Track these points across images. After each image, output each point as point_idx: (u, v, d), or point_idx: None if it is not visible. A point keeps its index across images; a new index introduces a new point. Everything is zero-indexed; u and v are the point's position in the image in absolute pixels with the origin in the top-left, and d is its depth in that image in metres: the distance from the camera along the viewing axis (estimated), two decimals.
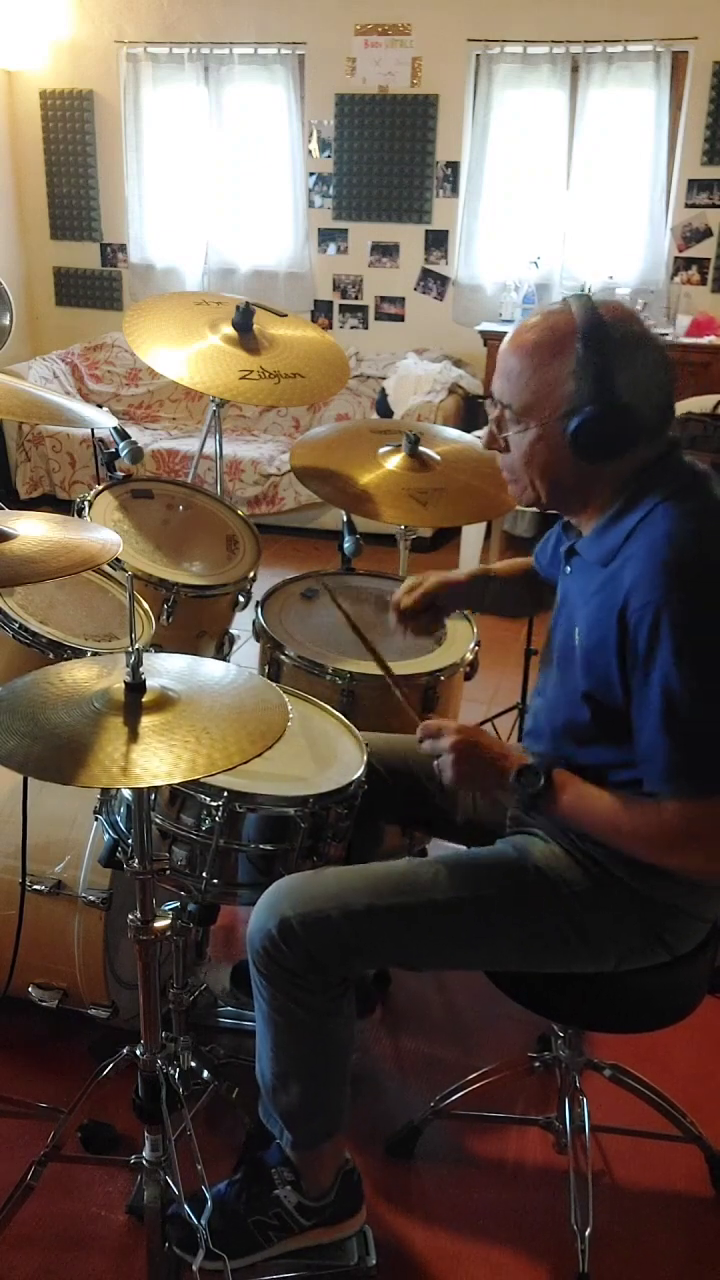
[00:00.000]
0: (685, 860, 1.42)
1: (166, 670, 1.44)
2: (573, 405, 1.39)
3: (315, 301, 5.91)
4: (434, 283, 5.69)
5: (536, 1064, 1.98)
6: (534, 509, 1.61)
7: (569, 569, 1.57)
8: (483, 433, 1.65)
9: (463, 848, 1.84)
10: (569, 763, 1.52)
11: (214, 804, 1.60)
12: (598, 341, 1.37)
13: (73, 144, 6.03)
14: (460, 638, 2.27)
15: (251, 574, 2.47)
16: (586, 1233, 1.72)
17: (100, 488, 2.46)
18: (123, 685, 1.34)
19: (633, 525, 1.42)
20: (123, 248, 6.15)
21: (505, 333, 5.59)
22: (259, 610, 2.27)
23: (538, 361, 1.41)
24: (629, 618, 1.37)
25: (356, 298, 5.86)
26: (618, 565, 1.42)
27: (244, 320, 2.51)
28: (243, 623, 2.43)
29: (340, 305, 5.89)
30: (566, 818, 1.49)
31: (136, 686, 1.33)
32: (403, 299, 5.78)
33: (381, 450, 2.42)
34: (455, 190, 5.49)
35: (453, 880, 1.56)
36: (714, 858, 1.41)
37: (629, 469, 1.44)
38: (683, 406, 3.99)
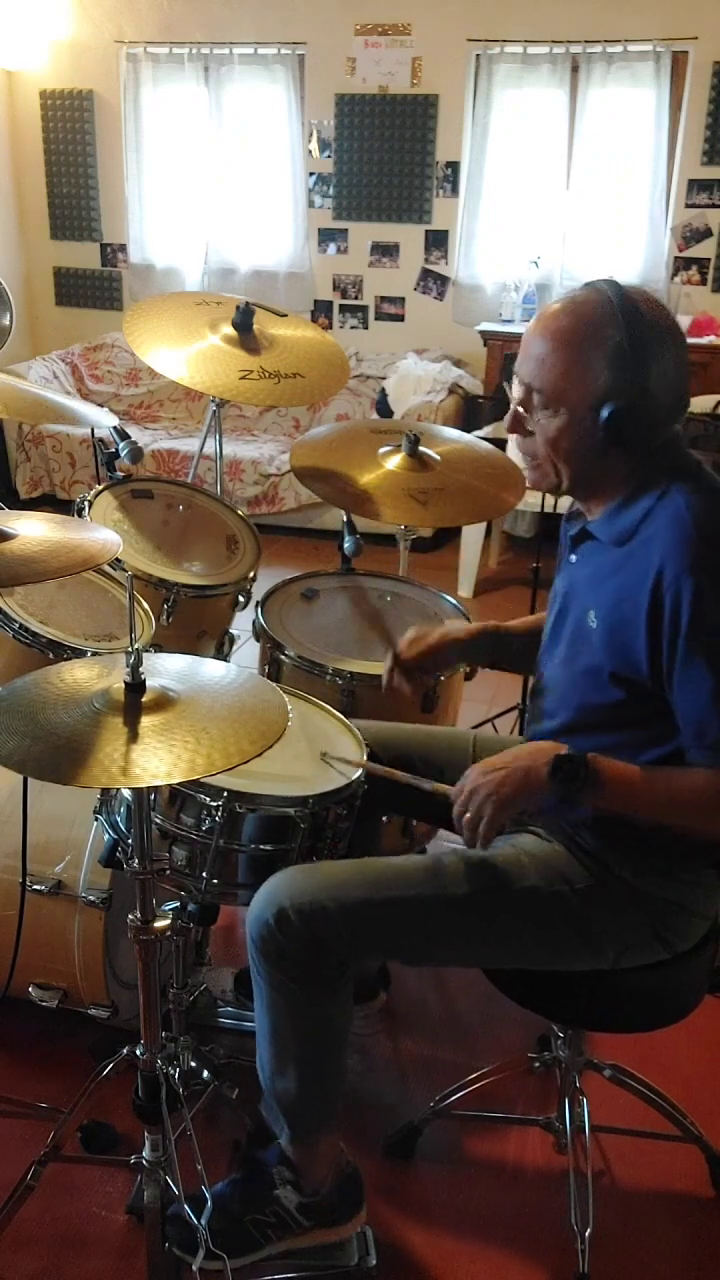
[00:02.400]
0: None
1: (166, 670, 1.44)
2: (607, 394, 1.40)
3: (315, 301, 5.92)
4: (434, 283, 5.69)
5: (536, 1064, 1.98)
6: (534, 509, 1.61)
7: (575, 557, 1.58)
8: (486, 430, 1.65)
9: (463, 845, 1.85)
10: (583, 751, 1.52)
11: (214, 804, 1.60)
12: (634, 331, 1.38)
13: (73, 144, 6.03)
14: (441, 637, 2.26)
15: (251, 574, 2.47)
16: (586, 1233, 1.72)
17: (100, 488, 2.46)
18: (123, 685, 1.34)
19: (649, 506, 1.43)
20: (123, 248, 6.15)
21: (505, 333, 5.61)
22: (259, 610, 2.27)
23: (573, 348, 1.41)
24: (664, 590, 1.37)
25: (356, 298, 5.86)
26: (639, 543, 1.43)
27: (244, 320, 2.51)
28: (243, 623, 2.43)
29: (340, 305, 5.90)
30: (610, 800, 1.45)
31: (136, 686, 1.33)
32: (403, 299, 5.78)
33: (381, 450, 2.42)
34: (455, 190, 5.49)
35: (453, 876, 1.56)
36: None
37: (642, 454, 1.45)
38: None
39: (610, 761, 1.45)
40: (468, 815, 1.49)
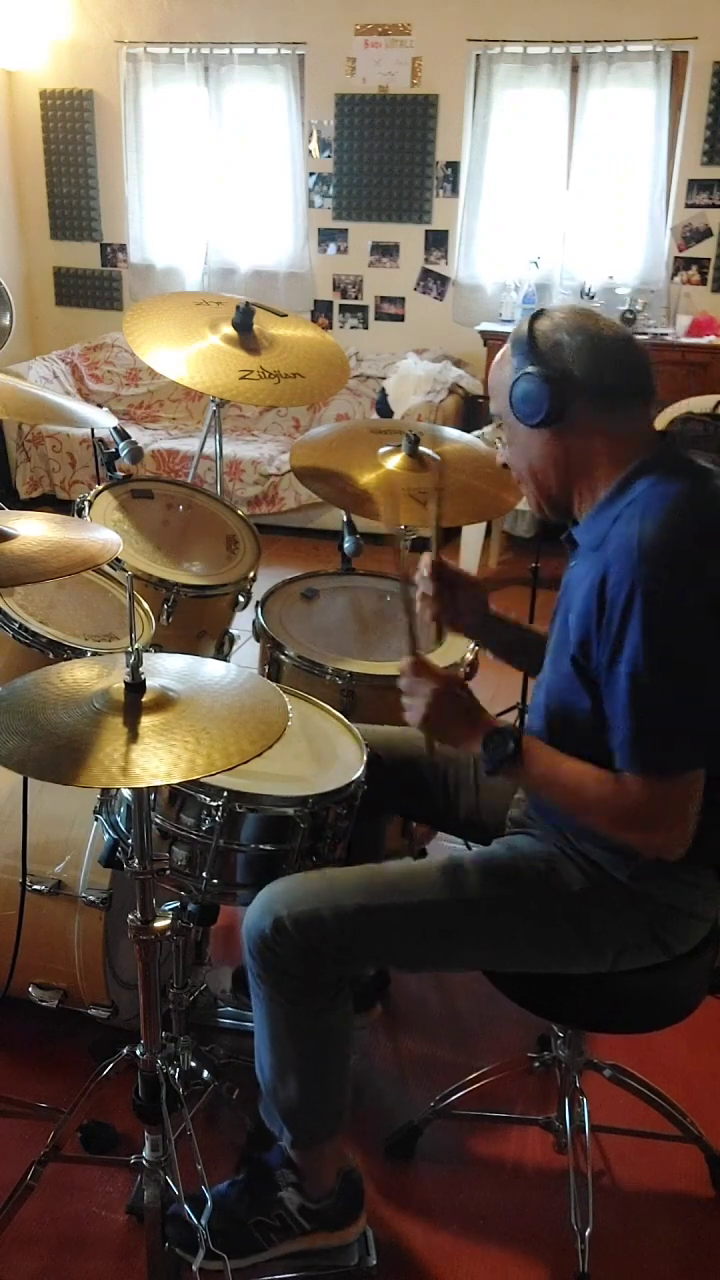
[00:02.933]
0: (644, 836, 1.43)
1: (166, 670, 1.44)
2: (519, 388, 1.48)
3: (315, 301, 5.91)
4: (434, 283, 5.69)
5: (536, 1064, 1.98)
6: (539, 516, 1.62)
7: (572, 562, 1.58)
8: (486, 431, 1.67)
9: (462, 846, 1.84)
10: (565, 751, 1.52)
11: (214, 804, 1.60)
12: (522, 329, 1.49)
13: (73, 144, 6.03)
14: (460, 638, 2.27)
15: (251, 574, 2.47)
16: (586, 1233, 1.72)
17: (100, 488, 2.46)
18: (122, 685, 1.34)
19: (620, 509, 1.44)
20: (123, 248, 6.15)
21: (506, 333, 5.60)
22: (259, 610, 2.27)
23: (496, 369, 1.55)
24: (606, 592, 1.38)
25: (356, 298, 5.86)
26: (604, 547, 1.43)
27: (244, 320, 2.51)
28: (243, 623, 2.43)
29: (340, 305, 5.89)
30: (531, 784, 1.52)
31: (136, 686, 1.33)
32: (403, 299, 5.78)
33: (381, 450, 2.42)
34: (455, 190, 5.49)
35: (448, 881, 1.56)
36: (673, 836, 1.41)
37: (603, 442, 1.46)
38: (683, 406, 3.99)
39: (541, 750, 1.48)
40: (403, 682, 1.54)
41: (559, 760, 1.47)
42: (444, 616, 1.76)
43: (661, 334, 5.09)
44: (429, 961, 1.68)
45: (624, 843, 1.46)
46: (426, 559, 1.77)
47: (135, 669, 1.33)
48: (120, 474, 2.55)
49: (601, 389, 1.45)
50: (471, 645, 2.22)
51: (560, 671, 1.53)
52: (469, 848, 1.82)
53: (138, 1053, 1.54)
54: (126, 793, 1.61)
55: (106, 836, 1.71)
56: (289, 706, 1.41)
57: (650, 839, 1.42)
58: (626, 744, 1.38)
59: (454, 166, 5.46)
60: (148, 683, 1.35)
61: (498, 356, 1.56)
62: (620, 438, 1.46)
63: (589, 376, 1.45)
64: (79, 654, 1.98)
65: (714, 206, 5.17)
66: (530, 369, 1.46)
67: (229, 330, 2.52)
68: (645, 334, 5.02)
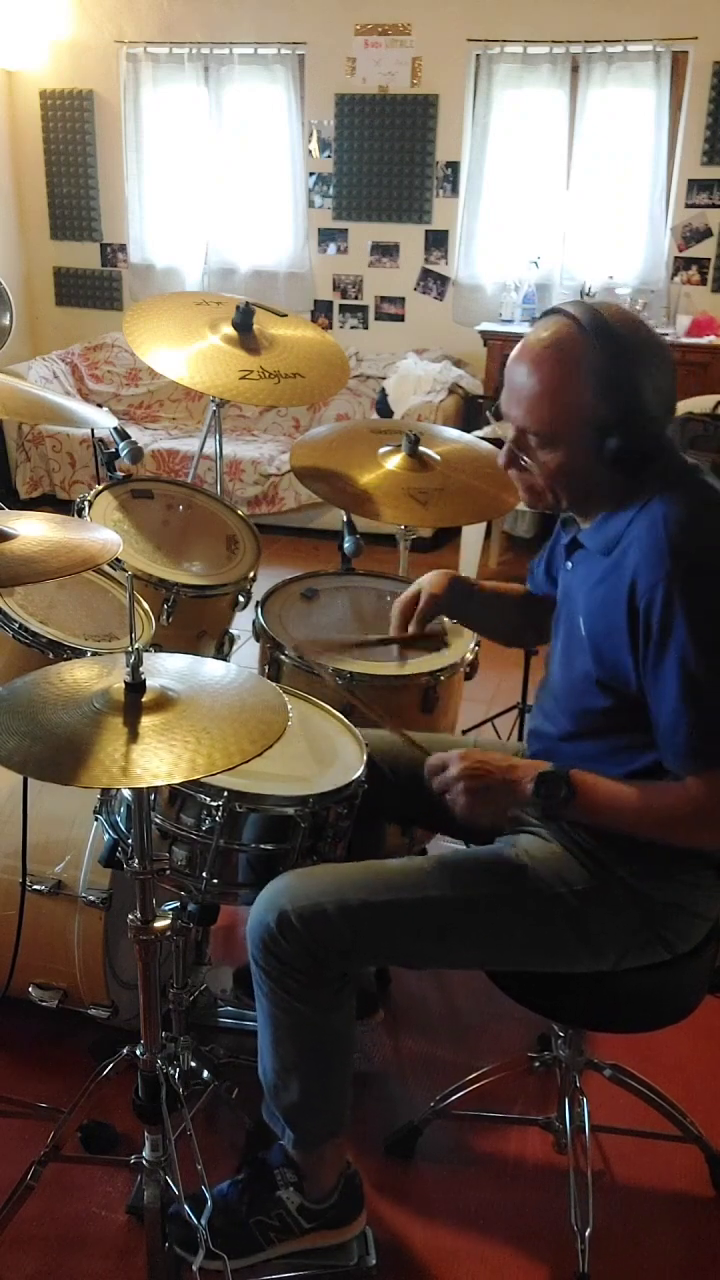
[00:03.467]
0: (716, 835, 1.43)
1: (166, 670, 1.44)
2: (604, 422, 1.40)
3: (315, 301, 5.92)
4: (434, 283, 5.69)
5: (536, 1064, 1.98)
6: (536, 510, 1.62)
7: (570, 564, 1.58)
8: (485, 432, 1.66)
9: (463, 845, 1.84)
10: (580, 754, 1.52)
11: (214, 804, 1.60)
12: (613, 354, 1.37)
13: (73, 144, 6.03)
14: (460, 638, 2.27)
15: (251, 574, 2.47)
16: (586, 1233, 1.72)
17: (100, 488, 2.46)
18: (123, 685, 1.34)
19: (633, 514, 1.44)
20: (123, 248, 6.15)
21: (506, 333, 5.61)
22: (259, 610, 2.27)
23: (560, 387, 1.41)
24: (639, 599, 1.38)
25: (356, 298, 5.86)
26: (620, 552, 1.44)
27: (244, 320, 2.51)
28: (243, 623, 2.43)
29: (340, 305, 5.89)
30: (593, 817, 1.48)
31: (136, 686, 1.33)
32: (403, 299, 5.78)
33: (381, 450, 2.42)
34: (455, 190, 5.49)
35: (451, 878, 1.56)
36: None
37: (638, 461, 1.45)
38: (683, 406, 3.99)
39: (594, 781, 1.47)
40: (436, 783, 1.53)
41: (613, 786, 1.46)
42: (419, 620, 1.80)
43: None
44: (433, 958, 1.68)
45: (698, 848, 1.47)
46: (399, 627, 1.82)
47: (135, 669, 1.33)
48: (120, 474, 2.54)
49: (664, 425, 1.44)
50: (472, 645, 2.22)
51: (574, 675, 1.53)
52: (468, 847, 1.82)
53: (138, 1053, 1.54)
54: (126, 793, 1.61)
55: (106, 836, 1.71)
56: (289, 706, 1.41)
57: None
58: (685, 744, 1.38)
59: (454, 166, 5.46)
60: (148, 683, 1.34)
61: (547, 363, 1.40)
62: (648, 454, 1.45)
63: (664, 420, 1.42)
64: (79, 654, 1.98)
65: (714, 206, 5.17)
66: (632, 419, 1.39)
67: (229, 330, 2.52)
68: None
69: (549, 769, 1.48)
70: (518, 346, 1.46)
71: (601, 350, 1.38)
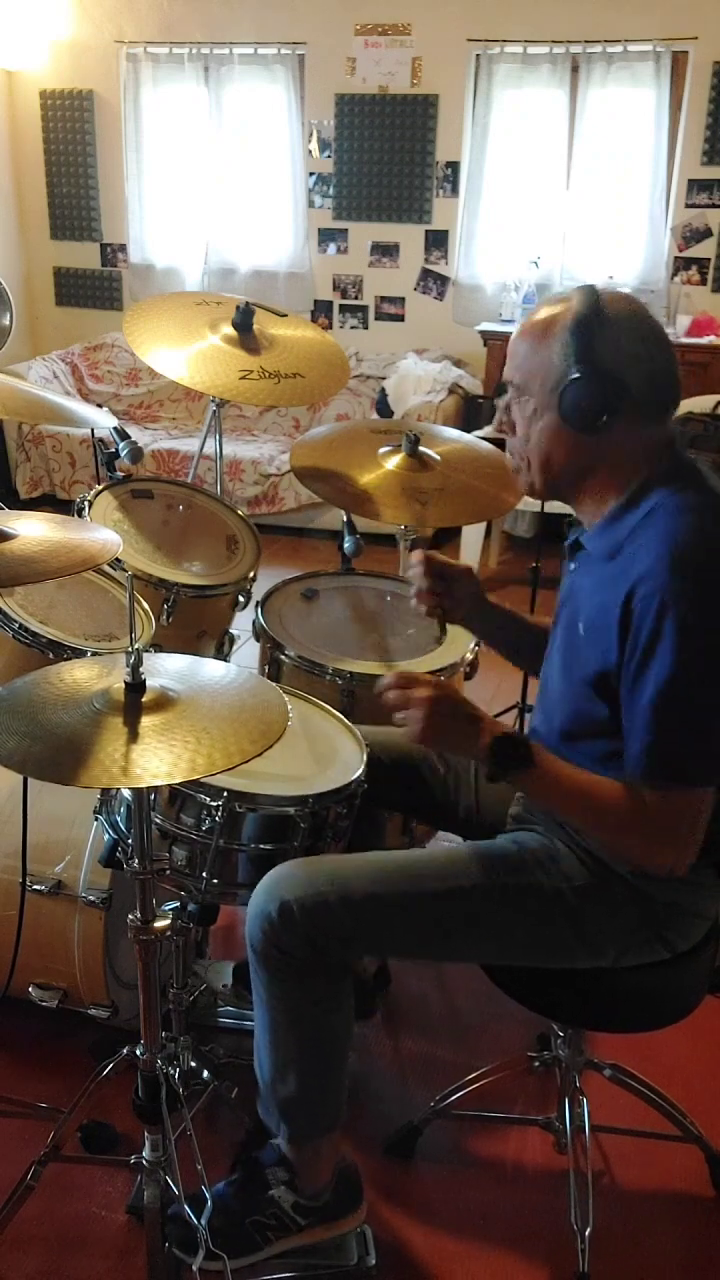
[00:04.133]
0: (650, 849, 1.42)
1: (166, 670, 1.44)
2: (561, 376, 1.43)
3: (315, 301, 5.92)
4: (434, 283, 5.69)
5: (536, 1064, 1.98)
6: (534, 508, 1.62)
7: (573, 565, 1.58)
8: (485, 432, 1.66)
9: (462, 841, 1.84)
10: (578, 757, 1.52)
11: (214, 804, 1.60)
12: (586, 317, 1.42)
13: (73, 144, 6.03)
14: (460, 637, 2.27)
15: (251, 574, 2.47)
16: (586, 1233, 1.72)
17: (100, 488, 2.46)
18: (123, 685, 1.34)
19: (638, 519, 1.43)
20: (123, 248, 6.15)
21: (506, 333, 5.63)
22: (259, 610, 2.27)
23: (538, 338, 1.47)
24: (634, 605, 1.38)
25: (356, 298, 5.86)
26: (624, 558, 1.43)
27: (244, 320, 2.51)
28: (243, 623, 2.43)
29: (340, 305, 5.89)
30: (538, 791, 1.48)
31: (136, 686, 1.33)
32: (403, 299, 5.78)
33: (381, 450, 2.41)
34: (455, 190, 5.49)
35: (453, 871, 1.57)
36: (680, 851, 1.41)
37: (625, 452, 1.45)
38: (683, 406, 3.98)
39: (551, 760, 1.46)
40: (393, 695, 1.47)
41: (566, 767, 1.47)
42: (441, 606, 1.77)
43: None
44: (432, 951, 1.68)
45: (628, 856, 1.46)
46: (419, 554, 1.77)
47: (135, 669, 1.33)
48: (120, 474, 2.54)
49: (648, 403, 1.44)
50: (472, 644, 2.22)
51: (573, 680, 1.53)
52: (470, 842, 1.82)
53: (138, 1053, 1.54)
54: (126, 793, 1.61)
55: (106, 836, 1.71)
56: (289, 706, 1.41)
57: (657, 852, 1.42)
58: (646, 753, 1.38)
59: (454, 166, 5.46)
60: (148, 683, 1.34)
61: (534, 324, 1.48)
62: (641, 448, 1.46)
63: (641, 391, 1.42)
64: (79, 654, 1.98)
65: (714, 206, 5.17)
66: (587, 368, 1.41)
67: (229, 330, 2.52)
68: None
69: (508, 732, 1.46)
70: None
71: (577, 311, 1.43)
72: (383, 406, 5.39)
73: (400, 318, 5.81)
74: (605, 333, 1.41)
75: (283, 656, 2.16)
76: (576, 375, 1.41)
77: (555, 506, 3.06)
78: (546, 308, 1.48)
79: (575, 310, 1.43)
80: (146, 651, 1.49)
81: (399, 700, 1.47)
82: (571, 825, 1.53)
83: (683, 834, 1.40)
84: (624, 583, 1.40)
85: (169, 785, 1.57)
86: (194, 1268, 1.59)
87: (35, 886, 1.95)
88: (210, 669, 1.49)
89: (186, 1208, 1.59)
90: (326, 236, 5.78)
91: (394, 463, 2.38)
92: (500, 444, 2.70)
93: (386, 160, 5.54)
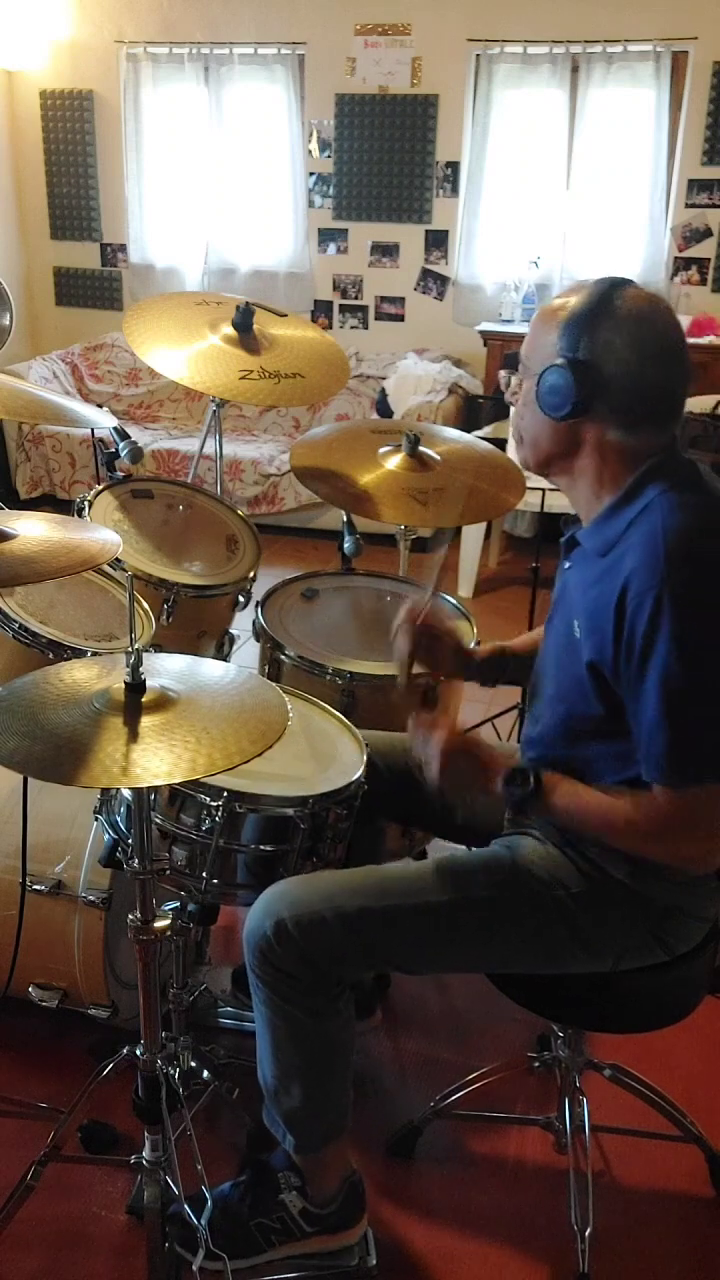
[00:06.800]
0: (682, 849, 1.43)
1: (166, 670, 1.44)
2: (547, 359, 1.44)
3: (315, 301, 5.92)
4: (434, 283, 5.69)
5: (536, 1064, 1.98)
6: (534, 508, 1.62)
7: (568, 563, 1.58)
8: (485, 432, 1.67)
9: (462, 848, 1.84)
10: (569, 759, 1.52)
11: (214, 804, 1.60)
12: (589, 310, 1.42)
13: (73, 144, 6.03)
14: (460, 638, 2.27)
15: (251, 574, 2.47)
16: (586, 1233, 1.72)
17: (100, 488, 2.46)
18: (123, 685, 1.34)
19: (632, 516, 1.43)
20: (123, 248, 6.15)
21: (505, 333, 5.62)
22: (259, 610, 2.27)
23: (543, 322, 1.48)
24: (627, 604, 1.37)
25: (356, 298, 5.86)
26: (616, 555, 1.43)
27: (244, 320, 2.51)
28: (243, 623, 2.43)
29: (340, 305, 5.89)
30: (559, 817, 1.50)
31: (136, 686, 1.33)
32: (403, 299, 5.78)
33: (381, 450, 2.41)
34: (455, 190, 5.49)
35: (448, 883, 1.56)
36: (706, 846, 1.42)
37: (605, 448, 1.45)
38: None
39: (566, 783, 1.47)
40: (416, 746, 1.54)
41: (580, 790, 1.47)
42: (418, 661, 1.76)
43: None
44: (431, 963, 1.67)
45: (656, 861, 1.47)
46: (423, 611, 1.74)
47: (135, 669, 1.33)
48: (120, 474, 2.54)
49: (630, 410, 1.43)
50: (472, 645, 2.22)
51: (567, 677, 1.52)
52: (469, 849, 1.82)
53: (138, 1053, 1.54)
54: (126, 793, 1.61)
55: (106, 836, 1.71)
56: (289, 706, 1.41)
57: (683, 851, 1.43)
58: (662, 756, 1.37)
59: (454, 166, 5.46)
60: (148, 683, 1.34)
61: (550, 306, 1.48)
62: (628, 449, 1.45)
63: (622, 398, 1.41)
64: (79, 654, 1.98)
65: (714, 206, 5.17)
66: (570, 358, 1.41)
67: (229, 330, 2.51)
68: None
69: (519, 765, 1.49)
70: None
71: (584, 304, 1.43)
72: (383, 406, 5.39)
73: (400, 318, 5.81)
74: (601, 330, 1.40)
75: (283, 656, 2.16)
76: (558, 363, 1.42)
77: (555, 506, 3.06)
78: (569, 292, 1.49)
79: (584, 300, 1.43)
80: (146, 651, 1.49)
81: (419, 751, 1.53)
82: (601, 841, 1.52)
83: (706, 829, 1.40)
84: (617, 579, 1.40)
85: (169, 785, 1.57)
86: (194, 1268, 1.59)
87: (35, 886, 1.95)
88: (210, 669, 1.49)
89: (186, 1208, 1.59)
90: (326, 236, 5.78)
91: (394, 463, 2.37)
92: (500, 444, 2.72)
93: (386, 160, 5.54)
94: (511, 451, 1.86)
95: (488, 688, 1.87)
